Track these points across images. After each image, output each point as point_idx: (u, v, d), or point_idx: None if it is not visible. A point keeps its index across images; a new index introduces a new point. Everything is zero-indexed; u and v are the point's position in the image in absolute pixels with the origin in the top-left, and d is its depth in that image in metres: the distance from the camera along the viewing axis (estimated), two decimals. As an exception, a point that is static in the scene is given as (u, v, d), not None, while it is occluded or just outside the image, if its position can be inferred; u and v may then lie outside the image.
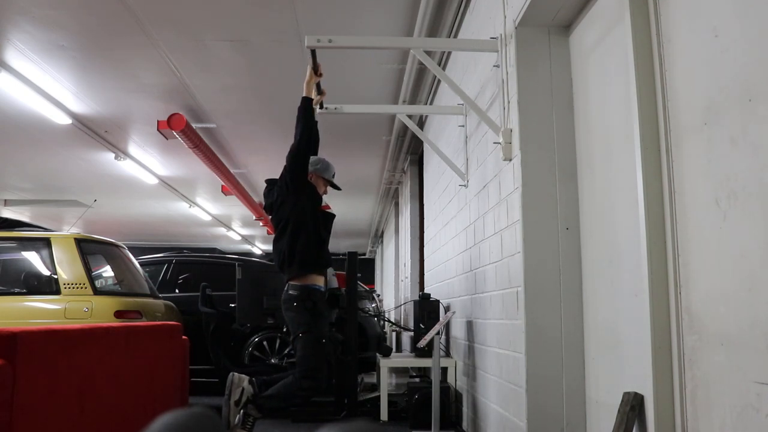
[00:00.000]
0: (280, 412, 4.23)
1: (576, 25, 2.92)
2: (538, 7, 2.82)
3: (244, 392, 3.62)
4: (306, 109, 3.72)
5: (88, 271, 4.95)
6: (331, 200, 8.86)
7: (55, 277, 4.86)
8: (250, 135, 8.28)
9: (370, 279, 20.69)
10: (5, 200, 12.57)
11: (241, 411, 3.61)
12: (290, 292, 3.74)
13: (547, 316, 2.81)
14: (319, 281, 3.83)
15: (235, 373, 3.71)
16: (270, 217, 4.00)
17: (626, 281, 2.32)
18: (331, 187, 4.08)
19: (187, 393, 4.47)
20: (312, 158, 3.92)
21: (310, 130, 3.74)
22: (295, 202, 3.77)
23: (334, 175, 4.07)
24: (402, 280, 10.47)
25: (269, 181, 4.04)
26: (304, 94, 3.76)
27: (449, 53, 5.22)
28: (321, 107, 4.24)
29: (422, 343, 4.20)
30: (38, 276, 5.04)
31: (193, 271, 7.09)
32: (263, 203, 4.15)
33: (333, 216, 4.08)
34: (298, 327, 3.71)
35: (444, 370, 4.78)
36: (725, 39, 1.61)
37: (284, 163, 3.83)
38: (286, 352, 6.27)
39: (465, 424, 4.45)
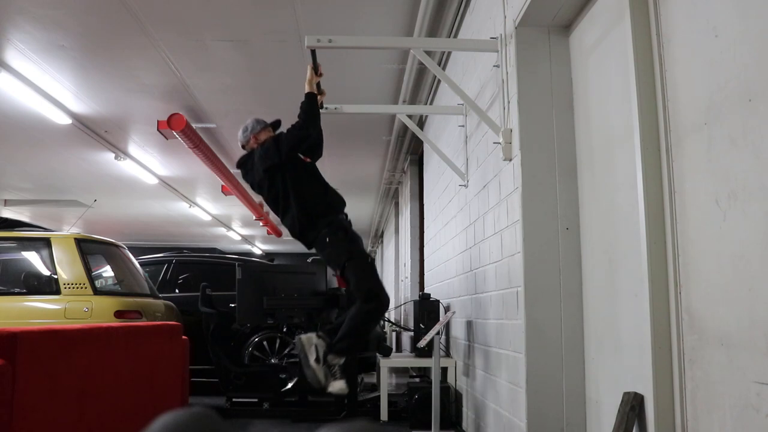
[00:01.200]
0: (360, 347, 4.07)
1: (576, 25, 2.92)
2: (538, 7, 2.82)
3: (317, 348, 3.58)
4: (312, 103, 3.72)
5: (88, 271, 4.95)
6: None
7: (55, 277, 4.86)
8: (250, 135, 8.26)
9: (370, 279, 20.66)
10: (5, 200, 12.57)
11: (325, 365, 3.57)
12: (322, 234, 3.69)
13: (547, 316, 2.81)
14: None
15: (301, 336, 3.65)
16: (261, 194, 3.95)
17: (626, 281, 2.32)
18: (273, 128, 3.99)
19: (187, 393, 4.47)
20: (248, 127, 3.93)
21: (318, 120, 3.73)
22: (286, 172, 3.73)
23: (264, 124, 4.00)
24: (402, 280, 10.47)
25: (242, 163, 3.98)
26: (306, 92, 3.76)
27: (449, 53, 5.22)
28: (321, 107, 4.24)
29: (422, 343, 4.20)
30: (38, 276, 5.04)
31: (193, 271, 7.09)
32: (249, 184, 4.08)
33: (314, 164, 3.98)
34: (340, 257, 3.66)
35: (444, 370, 4.78)
36: (725, 39, 1.61)
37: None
38: (286, 352, 6.27)
39: (465, 424, 4.45)
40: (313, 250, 3.89)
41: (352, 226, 3.86)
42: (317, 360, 3.54)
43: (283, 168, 3.73)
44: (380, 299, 3.62)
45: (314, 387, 3.63)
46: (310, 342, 3.58)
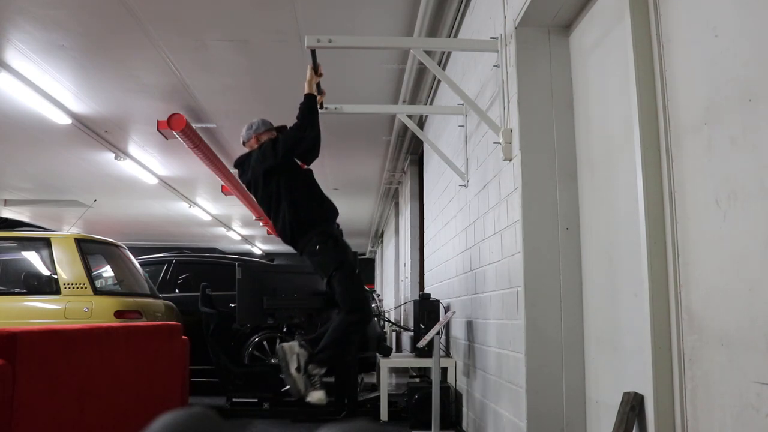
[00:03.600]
0: (340, 359, 4.06)
1: (576, 25, 2.92)
2: (538, 7, 2.82)
3: (299, 357, 3.58)
4: (311, 105, 3.72)
5: (88, 271, 4.95)
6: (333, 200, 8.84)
7: (55, 277, 4.86)
8: (250, 135, 8.26)
9: (370, 279, 20.69)
10: (5, 200, 12.57)
11: (305, 375, 3.58)
12: (312, 242, 3.70)
13: (547, 316, 2.81)
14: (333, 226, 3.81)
15: (283, 344, 3.65)
16: (255, 195, 3.94)
17: (626, 281, 2.32)
18: (277, 132, 3.97)
19: (187, 393, 4.47)
20: (251, 126, 3.94)
21: (317, 123, 3.73)
22: (282, 177, 3.73)
23: (269, 126, 3.99)
24: (402, 280, 10.47)
25: (239, 163, 3.98)
26: (306, 92, 3.76)
27: (449, 53, 5.22)
28: (321, 107, 4.24)
29: (422, 343, 4.20)
30: (38, 276, 5.04)
31: (193, 271, 7.08)
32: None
33: (311, 170, 3.99)
34: (329, 267, 3.67)
35: (444, 370, 4.78)
36: (725, 39, 1.61)
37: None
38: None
39: (465, 424, 4.45)
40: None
41: (343, 236, 3.87)
42: (298, 369, 3.55)
43: (278, 171, 3.73)
44: (364, 311, 3.65)
45: (293, 396, 3.64)
46: (292, 351, 3.59)
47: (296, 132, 3.71)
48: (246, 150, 3.99)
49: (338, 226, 3.89)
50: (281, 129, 3.99)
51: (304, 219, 3.71)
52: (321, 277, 3.80)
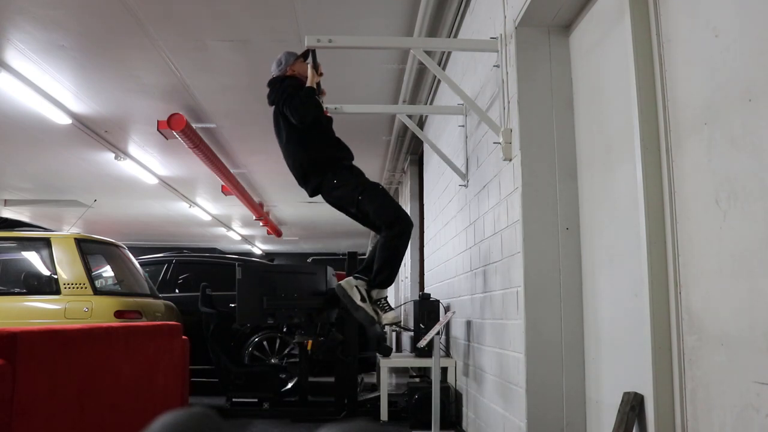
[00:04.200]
0: (396, 274, 4.00)
1: (576, 25, 2.92)
2: (538, 7, 2.82)
3: (359, 288, 3.63)
4: (310, 93, 3.71)
5: (88, 271, 4.95)
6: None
7: (55, 277, 4.86)
8: (250, 135, 8.27)
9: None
10: (5, 200, 12.56)
11: (371, 303, 3.62)
12: (328, 178, 3.71)
13: (547, 316, 2.81)
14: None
15: (340, 282, 3.68)
16: (273, 118, 3.93)
17: (626, 281, 2.32)
18: (312, 60, 3.86)
19: (187, 393, 4.47)
20: (282, 60, 3.92)
21: (309, 111, 3.69)
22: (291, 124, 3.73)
23: (305, 53, 3.90)
24: (402, 280, 10.47)
25: (271, 83, 3.93)
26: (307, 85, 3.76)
27: (449, 53, 5.22)
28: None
29: (422, 343, 4.20)
30: (38, 276, 5.04)
31: (193, 271, 7.09)
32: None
33: (331, 118, 4.01)
34: (354, 193, 3.68)
35: (444, 370, 4.78)
36: (725, 39, 1.61)
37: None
38: (286, 352, 6.27)
39: (465, 424, 4.45)
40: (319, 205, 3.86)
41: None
42: (363, 299, 3.60)
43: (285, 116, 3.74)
44: (404, 220, 3.66)
45: (368, 324, 3.69)
46: (350, 285, 3.63)
47: (290, 110, 3.68)
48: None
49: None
50: (305, 54, 3.89)
51: (317, 159, 3.73)
52: (347, 207, 3.78)
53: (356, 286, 3.62)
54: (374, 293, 3.63)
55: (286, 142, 3.80)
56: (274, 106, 3.84)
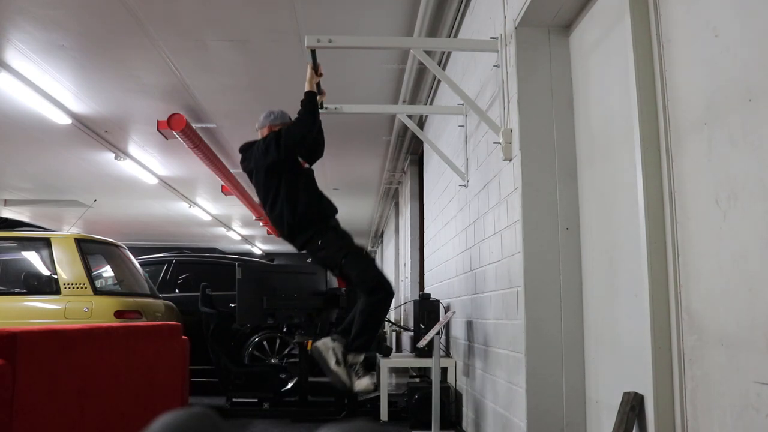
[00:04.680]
0: (374, 341, 4.00)
1: (576, 25, 2.92)
2: (538, 7, 2.82)
3: (335, 350, 3.57)
4: (312, 101, 3.71)
5: (88, 271, 4.95)
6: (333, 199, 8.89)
7: (55, 277, 4.86)
8: (250, 135, 8.24)
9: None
10: (5, 200, 12.57)
11: (345, 366, 3.56)
12: (313, 240, 3.69)
13: (547, 316, 2.81)
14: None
15: (316, 343, 3.64)
16: (255, 185, 3.93)
17: (626, 281, 2.32)
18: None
19: (187, 393, 4.47)
20: (270, 115, 3.93)
21: (317, 118, 3.73)
22: (283, 174, 3.71)
23: (288, 119, 3.96)
24: (402, 280, 10.47)
25: (244, 149, 3.96)
26: (306, 90, 3.76)
27: (449, 53, 5.22)
28: (321, 107, 4.24)
29: (422, 343, 4.20)
30: (38, 276, 5.04)
31: (193, 271, 7.09)
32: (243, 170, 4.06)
33: (312, 170, 3.98)
34: (338, 257, 3.65)
35: (444, 370, 4.78)
36: (725, 39, 1.61)
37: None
38: (286, 352, 6.27)
39: (465, 424, 4.45)
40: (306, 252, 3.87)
41: (340, 226, 3.85)
42: (337, 362, 3.53)
43: (280, 168, 3.71)
44: (384, 288, 3.61)
45: (340, 390, 3.63)
46: (327, 347, 3.56)
47: (298, 128, 3.69)
48: (258, 136, 3.97)
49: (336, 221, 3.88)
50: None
51: (303, 216, 3.70)
52: (332, 269, 3.77)
53: (333, 349, 3.55)
54: (350, 357, 3.55)
55: (274, 198, 3.74)
56: (266, 167, 3.75)
